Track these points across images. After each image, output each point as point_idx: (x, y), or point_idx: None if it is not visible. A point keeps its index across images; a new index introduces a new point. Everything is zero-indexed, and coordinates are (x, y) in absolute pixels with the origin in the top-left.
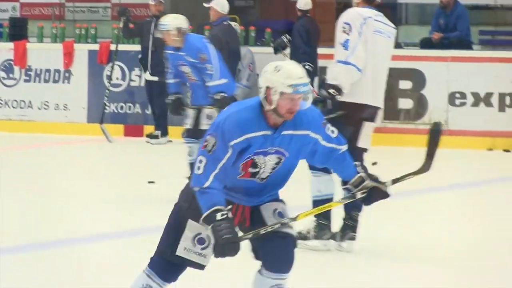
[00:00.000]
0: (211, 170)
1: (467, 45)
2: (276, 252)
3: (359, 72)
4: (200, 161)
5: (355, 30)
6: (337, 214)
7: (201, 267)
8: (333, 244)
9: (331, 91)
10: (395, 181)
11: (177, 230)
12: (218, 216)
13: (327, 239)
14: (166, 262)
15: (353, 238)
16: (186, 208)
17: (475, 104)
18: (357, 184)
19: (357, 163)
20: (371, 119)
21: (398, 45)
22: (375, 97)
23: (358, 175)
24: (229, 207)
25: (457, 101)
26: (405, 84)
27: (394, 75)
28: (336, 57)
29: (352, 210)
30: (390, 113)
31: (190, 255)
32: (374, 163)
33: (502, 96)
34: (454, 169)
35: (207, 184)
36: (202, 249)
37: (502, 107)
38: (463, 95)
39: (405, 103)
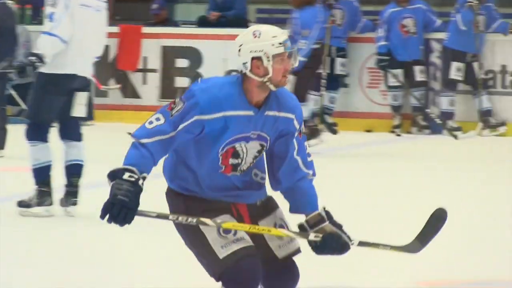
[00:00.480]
0: (161, 132)
1: (244, 24)
2: (279, 280)
3: (63, 43)
4: (158, 119)
5: (61, 3)
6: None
7: (249, 249)
8: (59, 209)
9: (33, 58)
10: (363, 244)
11: (202, 243)
12: (126, 175)
13: (48, 205)
14: (230, 274)
15: (75, 204)
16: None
17: None
18: (314, 224)
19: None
20: (83, 89)
21: (175, 24)
22: (83, 68)
23: (317, 212)
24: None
25: None
26: (181, 63)
27: (171, 53)
28: (44, 29)
29: (72, 176)
30: (167, 92)
31: (231, 247)
32: None
33: None
34: None
35: (146, 141)
36: (234, 234)
37: None
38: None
39: (181, 82)
